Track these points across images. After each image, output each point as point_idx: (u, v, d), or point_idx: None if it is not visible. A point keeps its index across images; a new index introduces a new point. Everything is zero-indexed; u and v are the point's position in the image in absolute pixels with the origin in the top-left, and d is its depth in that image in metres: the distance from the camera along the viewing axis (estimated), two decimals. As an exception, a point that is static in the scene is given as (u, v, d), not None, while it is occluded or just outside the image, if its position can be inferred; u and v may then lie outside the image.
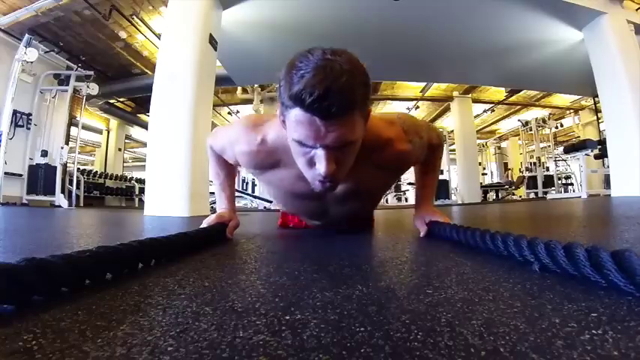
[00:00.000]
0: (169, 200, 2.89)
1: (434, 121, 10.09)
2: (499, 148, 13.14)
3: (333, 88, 0.57)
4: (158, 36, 5.31)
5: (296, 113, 0.61)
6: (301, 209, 1.10)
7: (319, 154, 0.66)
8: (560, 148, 8.34)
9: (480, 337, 0.24)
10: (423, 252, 0.67)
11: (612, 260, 0.36)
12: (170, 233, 0.67)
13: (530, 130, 8.57)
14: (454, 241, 0.74)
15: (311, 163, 0.68)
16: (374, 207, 1.22)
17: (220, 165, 1.05)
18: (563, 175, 8.24)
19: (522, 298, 0.34)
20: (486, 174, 12.40)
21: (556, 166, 8.16)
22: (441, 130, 8.39)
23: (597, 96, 4.43)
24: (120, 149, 9.54)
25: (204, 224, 0.94)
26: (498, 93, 8.48)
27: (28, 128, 5.05)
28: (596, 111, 6.80)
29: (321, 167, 0.66)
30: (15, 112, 4.81)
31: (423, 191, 1.05)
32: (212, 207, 3.20)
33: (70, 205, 5.18)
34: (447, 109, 8.82)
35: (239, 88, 7.75)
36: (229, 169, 1.07)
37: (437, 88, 8.01)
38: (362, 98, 0.63)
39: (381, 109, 9.21)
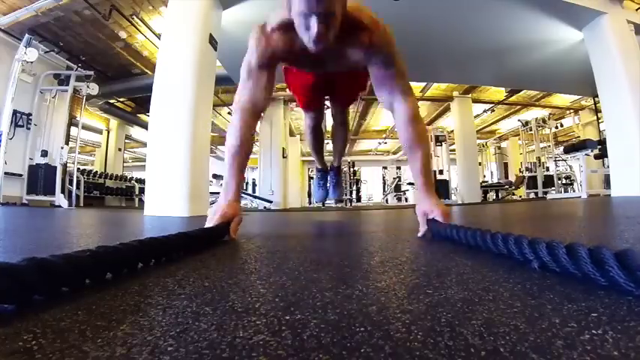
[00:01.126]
0: (169, 200, 2.89)
1: (434, 121, 10.09)
2: (499, 148, 13.14)
3: None
4: (158, 36, 5.31)
5: None
6: (308, 79, 1.43)
7: None
8: (560, 148, 8.34)
9: (480, 337, 0.24)
10: (423, 252, 0.66)
11: (614, 258, 0.36)
12: (170, 233, 0.66)
13: (530, 130, 8.58)
14: (454, 240, 0.73)
15: None
16: (357, 92, 1.58)
17: (239, 134, 1.00)
18: (563, 175, 8.24)
19: (522, 298, 0.34)
20: (485, 176, 12.40)
21: (556, 166, 8.16)
22: (441, 129, 8.39)
23: (597, 96, 4.43)
24: (120, 149, 9.54)
25: (208, 222, 0.92)
26: (498, 93, 8.48)
27: (28, 128, 5.05)
28: (596, 111, 6.80)
29: None
30: (15, 112, 4.81)
31: (420, 178, 0.98)
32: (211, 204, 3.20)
33: (70, 205, 5.18)
34: (447, 109, 8.83)
35: (239, 88, 7.73)
36: (247, 141, 1.01)
37: (437, 88, 8.01)
38: None
39: (380, 111, 9.22)
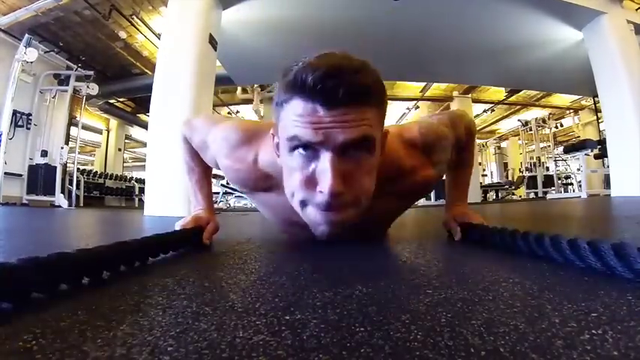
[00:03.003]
0: (169, 200, 2.89)
1: (434, 121, 10.07)
2: (499, 148, 13.15)
3: (343, 66, 0.46)
4: (158, 36, 5.31)
5: (294, 106, 0.48)
6: (298, 235, 0.85)
7: (322, 159, 0.49)
8: (560, 148, 8.34)
9: (479, 337, 0.24)
10: (422, 252, 0.66)
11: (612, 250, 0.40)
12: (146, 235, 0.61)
13: (530, 130, 8.58)
14: (491, 244, 0.66)
15: (309, 182, 0.51)
16: (386, 231, 0.96)
17: (195, 161, 0.88)
18: (563, 175, 8.24)
19: (522, 298, 0.34)
20: (486, 175, 12.40)
21: (556, 166, 8.16)
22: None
23: (597, 96, 4.43)
24: (120, 149, 9.55)
25: (177, 227, 0.77)
26: (498, 93, 8.49)
27: (28, 128, 5.05)
28: (596, 111, 6.80)
29: (323, 182, 0.49)
30: (15, 112, 4.81)
31: (455, 190, 0.90)
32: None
33: (69, 205, 5.18)
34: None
35: (239, 88, 7.75)
36: (206, 167, 0.89)
37: (437, 88, 8.01)
38: (378, 92, 0.50)
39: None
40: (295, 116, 0.48)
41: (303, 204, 0.55)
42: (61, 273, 0.39)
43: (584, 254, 0.44)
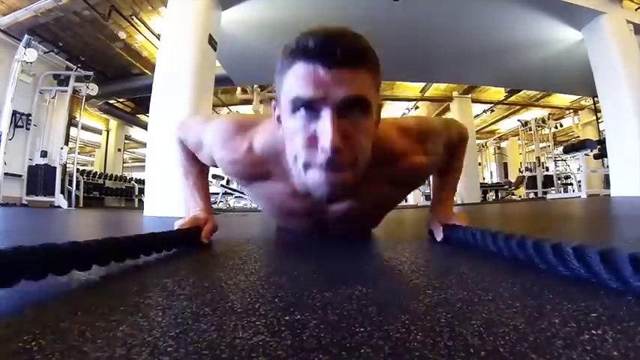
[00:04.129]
0: (169, 201, 2.89)
1: (433, 121, 10.08)
2: (499, 148, 13.15)
3: (340, 33, 0.51)
4: (157, 36, 5.31)
5: (295, 70, 0.52)
6: (295, 225, 0.93)
7: (322, 118, 0.52)
8: (560, 148, 8.34)
9: (479, 337, 0.24)
10: (422, 252, 0.66)
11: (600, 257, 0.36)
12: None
13: (530, 130, 8.59)
14: (472, 245, 0.64)
15: (311, 142, 0.54)
16: (379, 222, 0.98)
17: (191, 162, 0.90)
18: (563, 175, 8.24)
19: (522, 298, 0.34)
20: (485, 179, 12.40)
21: (555, 166, 8.16)
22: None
23: (597, 96, 4.43)
24: (119, 150, 9.54)
25: (176, 226, 0.78)
26: (498, 93, 8.49)
27: (28, 129, 5.05)
28: (596, 111, 6.81)
29: (324, 136, 0.51)
30: (14, 113, 4.81)
31: (441, 192, 0.91)
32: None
33: (69, 205, 5.18)
34: (446, 110, 8.83)
35: (238, 89, 7.75)
36: (202, 167, 0.91)
37: (436, 89, 8.02)
38: (373, 58, 0.54)
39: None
40: (297, 78, 0.52)
41: (306, 167, 0.57)
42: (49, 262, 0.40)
43: (568, 259, 0.40)
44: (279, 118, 0.59)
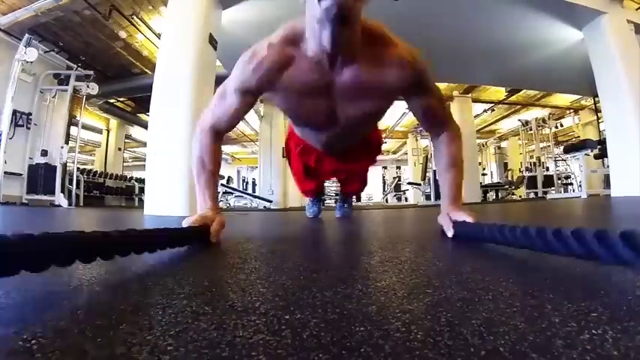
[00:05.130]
0: (169, 200, 2.89)
1: (434, 120, 10.05)
2: (499, 147, 13.14)
3: None
4: (158, 36, 5.31)
5: None
6: (312, 138, 1.32)
7: None
8: (560, 148, 8.34)
9: (479, 336, 0.24)
10: (422, 252, 0.66)
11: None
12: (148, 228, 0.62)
13: (530, 129, 8.58)
14: (484, 240, 0.66)
15: None
16: (367, 131, 1.42)
17: (209, 157, 0.93)
18: (563, 175, 8.23)
19: (522, 298, 0.34)
20: (486, 174, 12.40)
21: (556, 165, 8.16)
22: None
23: (597, 96, 4.42)
24: (120, 149, 9.54)
25: (185, 224, 0.81)
26: (498, 93, 8.48)
27: (28, 128, 5.05)
28: (596, 111, 6.80)
29: None
30: (15, 112, 4.81)
31: (449, 190, 0.98)
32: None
33: (69, 204, 5.18)
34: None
35: (239, 88, 7.73)
36: (217, 160, 0.95)
37: (437, 88, 7.99)
38: None
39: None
40: None
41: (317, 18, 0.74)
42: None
43: (569, 242, 0.42)
44: None
